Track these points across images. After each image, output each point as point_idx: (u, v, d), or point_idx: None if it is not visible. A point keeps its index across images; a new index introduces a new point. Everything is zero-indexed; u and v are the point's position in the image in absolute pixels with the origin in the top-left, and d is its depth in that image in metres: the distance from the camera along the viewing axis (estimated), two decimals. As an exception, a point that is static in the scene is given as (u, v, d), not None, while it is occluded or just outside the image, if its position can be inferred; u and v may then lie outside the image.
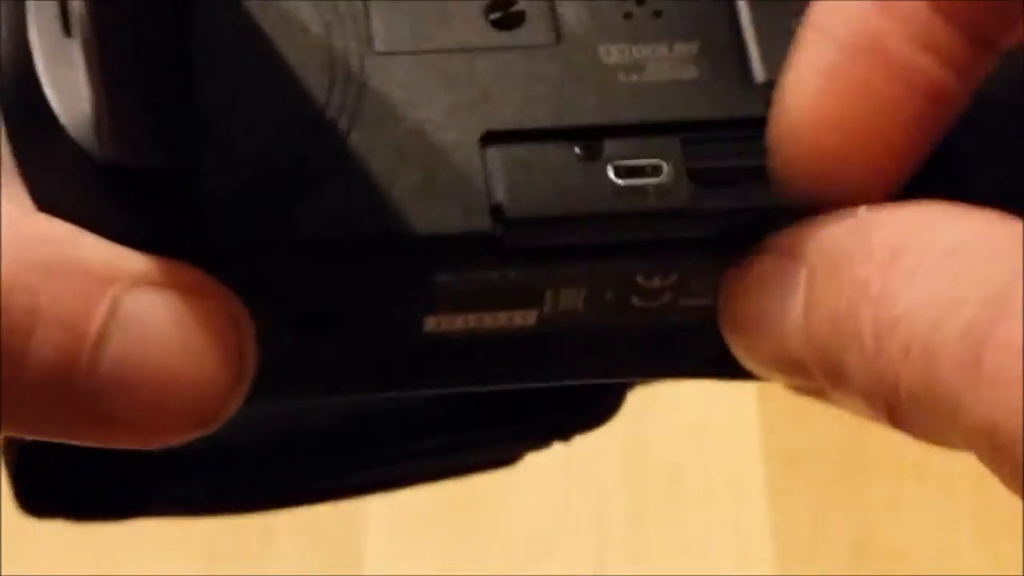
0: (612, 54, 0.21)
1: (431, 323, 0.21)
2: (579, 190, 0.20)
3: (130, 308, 0.17)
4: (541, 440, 0.26)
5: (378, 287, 0.20)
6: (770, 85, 0.20)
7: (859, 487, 0.49)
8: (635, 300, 0.21)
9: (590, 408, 0.26)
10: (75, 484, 0.24)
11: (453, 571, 0.47)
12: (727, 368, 0.22)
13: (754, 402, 0.50)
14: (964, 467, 0.50)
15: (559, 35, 0.21)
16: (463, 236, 0.20)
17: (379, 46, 0.21)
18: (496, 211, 0.20)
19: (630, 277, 0.21)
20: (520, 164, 0.20)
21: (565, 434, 0.26)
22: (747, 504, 0.49)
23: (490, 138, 0.20)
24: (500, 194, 0.20)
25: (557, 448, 0.48)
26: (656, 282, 0.21)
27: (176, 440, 0.18)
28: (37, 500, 0.23)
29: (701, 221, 0.20)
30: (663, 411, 0.49)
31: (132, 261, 0.17)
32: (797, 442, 0.50)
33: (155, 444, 0.18)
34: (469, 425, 0.25)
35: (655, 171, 0.20)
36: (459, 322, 0.21)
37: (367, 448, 0.25)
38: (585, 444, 0.49)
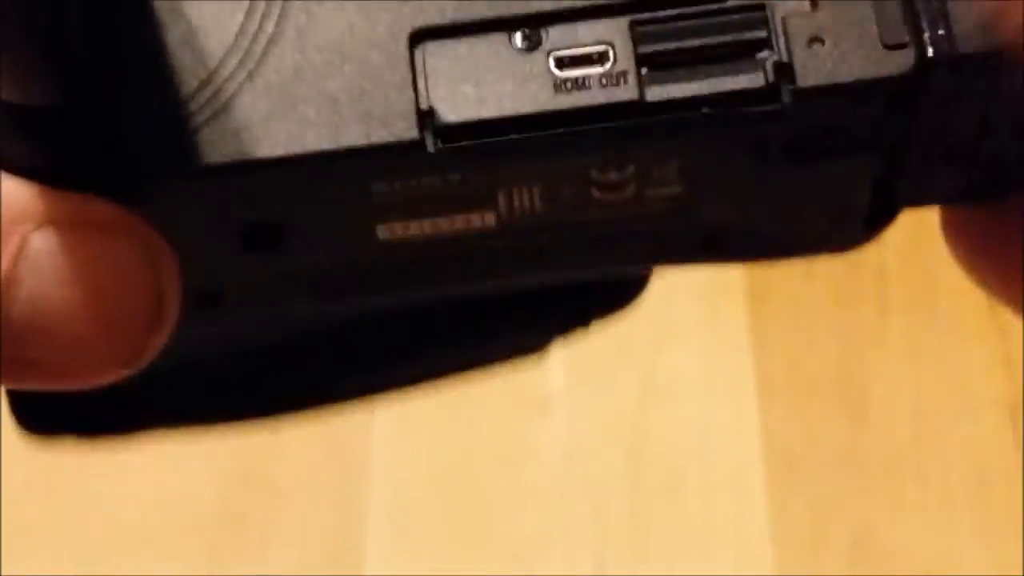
0: None
1: (384, 231, 0.20)
2: (516, 87, 0.19)
3: (39, 248, 0.16)
4: (565, 325, 0.25)
5: (315, 200, 0.20)
6: None
7: (859, 488, 0.49)
8: (596, 193, 0.20)
9: (612, 291, 0.24)
10: (72, 400, 0.23)
11: (453, 571, 0.47)
12: (716, 252, 0.21)
13: (755, 402, 0.50)
14: (964, 468, 0.50)
15: None
16: (391, 146, 0.19)
17: None
18: (426, 116, 0.19)
19: (583, 172, 0.20)
20: (452, 63, 0.19)
21: (587, 319, 0.25)
22: (747, 504, 0.49)
23: (419, 36, 0.19)
24: (430, 98, 0.19)
25: (557, 448, 0.47)
26: (613, 175, 0.20)
27: (104, 380, 0.17)
28: (35, 419, 0.22)
29: (652, 113, 0.19)
30: (663, 411, 0.49)
31: (39, 200, 0.17)
32: (797, 442, 0.50)
33: (82, 385, 0.17)
34: (485, 314, 0.24)
35: (601, 59, 0.19)
36: (413, 228, 0.20)
37: (378, 346, 0.24)
38: (585, 444, 0.49)
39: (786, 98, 0.19)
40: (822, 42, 0.19)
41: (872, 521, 0.49)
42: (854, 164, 0.20)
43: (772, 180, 0.20)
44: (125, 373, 0.17)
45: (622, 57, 0.19)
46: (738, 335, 0.51)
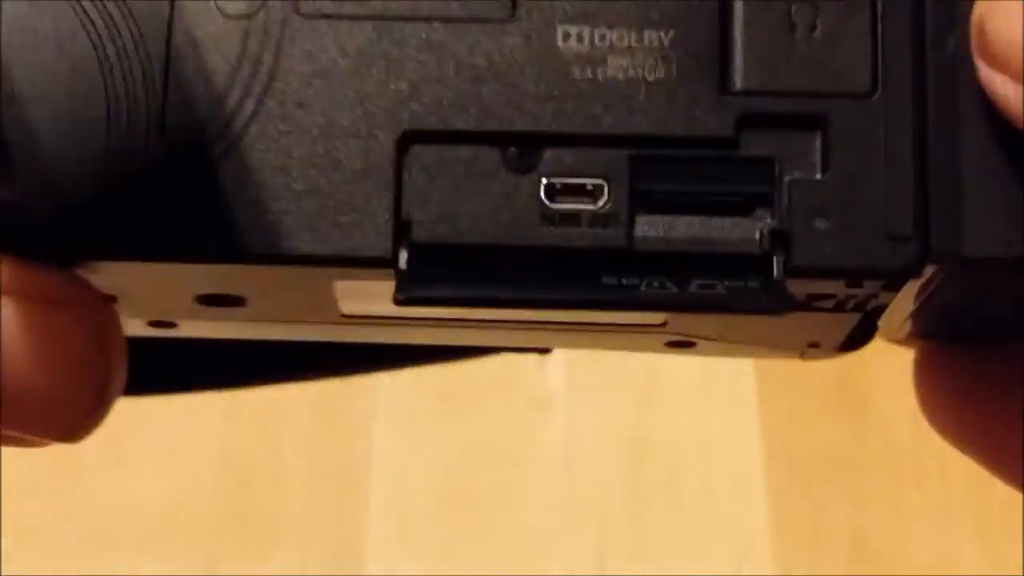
0: (571, 38, 0.18)
1: (348, 307, 0.19)
2: (502, 211, 0.17)
3: None
4: None
5: (279, 286, 0.18)
6: (749, 94, 0.18)
7: (859, 488, 0.49)
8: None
9: None
10: None
11: (453, 571, 0.47)
12: (683, 349, 0.20)
13: (755, 403, 0.50)
14: (964, 468, 0.49)
15: (514, 6, 0.18)
16: (361, 260, 0.17)
17: (305, 6, 0.18)
18: (403, 230, 0.17)
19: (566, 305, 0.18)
20: (439, 173, 0.17)
21: None
22: (747, 504, 0.49)
23: (409, 139, 0.18)
24: (410, 210, 0.17)
25: (558, 448, 0.48)
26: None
27: (41, 446, 0.17)
28: None
29: (638, 263, 0.18)
30: (663, 411, 0.49)
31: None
32: (797, 443, 0.50)
33: (27, 446, 0.17)
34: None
35: (594, 194, 0.18)
36: (378, 310, 0.19)
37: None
38: (585, 444, 0.49)
39: (777, 273, 0.17)
40: (825, 217, 0.18)
41: (871, 521, 0.49)
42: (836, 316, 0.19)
43: (748, 319, 0.19)
44: (69, 443, 0.17)
45: (616, 195, 0.18)
46: (738, 335, 0.51)
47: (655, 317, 0.19)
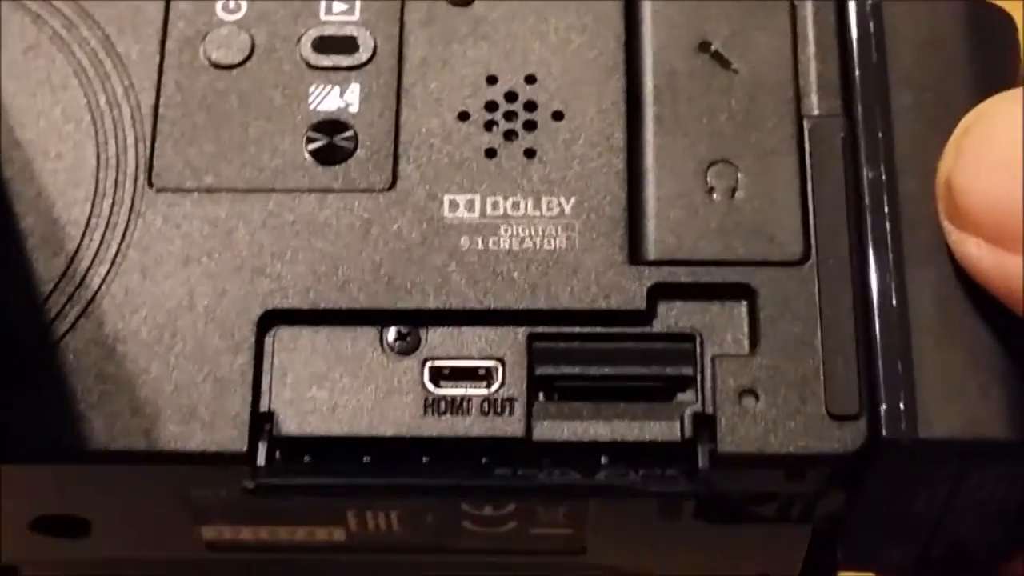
0: (459, 207, 0.16)
1: (210, 532, 0.17)
2: (377, 399, 0.15)
3: None
4: None
5: (127, 500, 0.16)
6: (663, 263, 0.16)
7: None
8: (468, 525, 0.17)
9: None
10: None
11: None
12: None
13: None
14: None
15: (395, 176, 0.16)
16: (212, 456, 0.15)
17: (158, 180, 0.16)
18: (263, 421, 0.15)
19: (452, 502, 0.16)
20: (306, 357, 0.15)
21: None
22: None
23: (270, 319, 0.16)
24: (271, 399, 0.15)
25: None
26: (488, 510, 0.17)
27: None
28: None
29: (539, 455, 0.15)
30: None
31: None
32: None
33: None
34: None
35: (487, 377, 0.16)
36: (245, 533, 0.17)
37: None
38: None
39: (702, 462, 0.15)
40: (756, 396, 0.15)
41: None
42: (782, 531, 0.17)
43: (682, 537, 0.17)
44: None
45: (512, 378, 0.15)
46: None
47: (559, 529, 0.17)
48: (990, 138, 0.15)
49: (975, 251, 0.15)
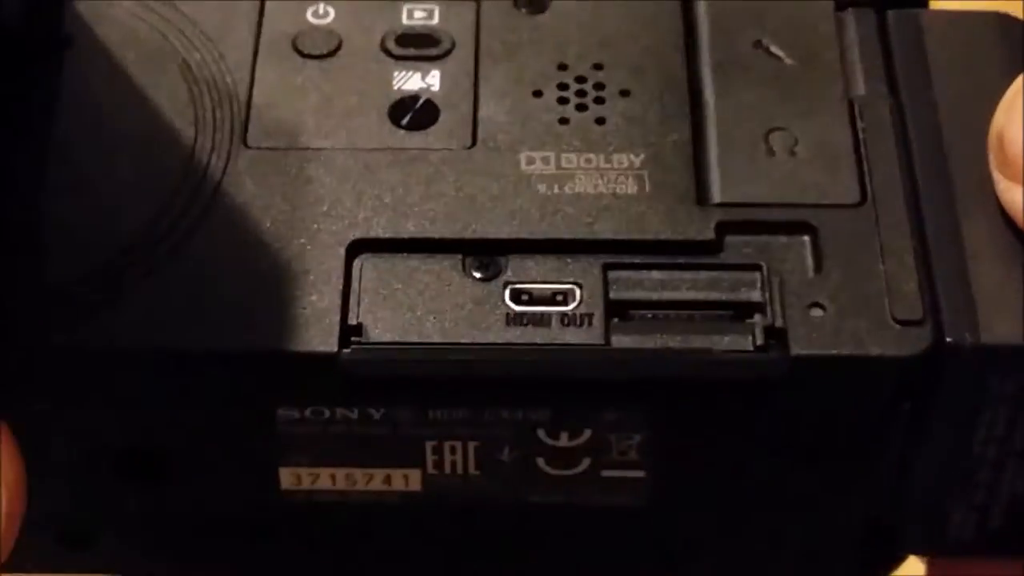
0: (535, 162, 0.17)
1: (287, 478, 0.17)
2: (462, 314, 0.16)
3: None
4: None
5: (210, 423, 0.17)
6: (729, 206, 0.17)
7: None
8: (542, 464, 0.17)
9: None
10: None
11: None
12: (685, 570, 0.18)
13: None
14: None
15: (475, 138, 0.17)
16: (303, 357, 0.16)
17: (252, 140, 0.17)
18: (351, 331, 0.16)
19: (529, 430, 0.17)
20: (391, 281, 0.16)
21: None
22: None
23: (358, 247, 0.17)
24: (358, 315, 0.16)
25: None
26: (564, 439, 0.17)
27: None
28: None
29: (615, 367, 0.16)
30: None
31: None
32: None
33: None
34: None
35: (565, 298, 0.16)
36: (324, 479, 0.17)
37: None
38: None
39: (775, 365, 0.16)
40: (823, 308, 0.16)
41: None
42: (851, 480, 0.17)
43: (751, 485, 0.17)
44: None
45: (589, 300, 0.16)
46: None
47: (632, 471, 0.17)
48: None
49: (1022, 198, 0.16)
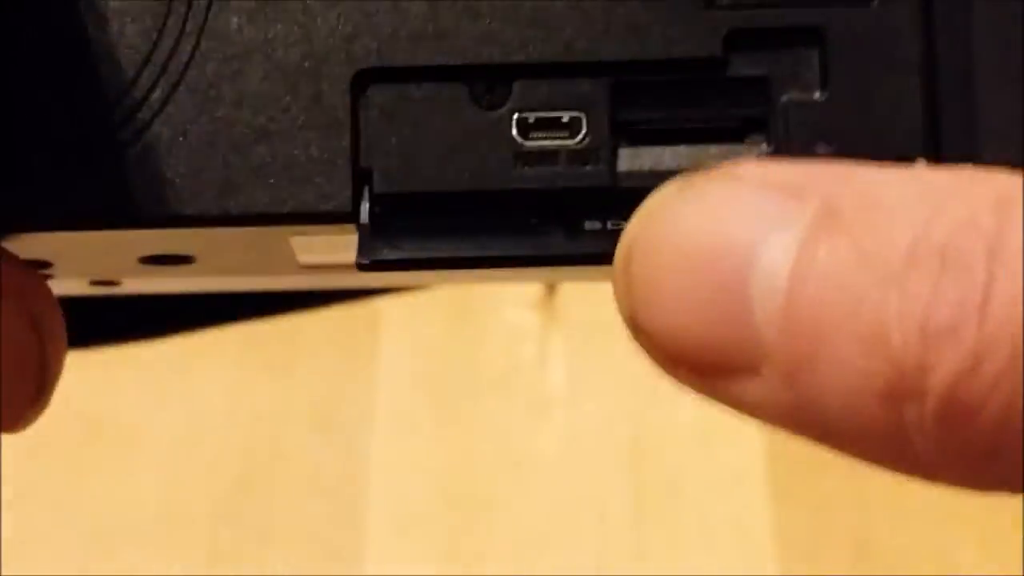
0: None
1: (306, 259, 0.18)
2: (471, 153, 0.16)
3: None
4: None
5: (228, 244, 0.17)
6: (736, 7, 0.16)
7: (862, 488, 0.49)
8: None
9: None
10: None
11: (453, 571, 0.47)
12: None
13: (756, 402, 0.50)
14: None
15: None
16: (319, 215, 0.16)
17: None
18: (362, 180, 0.16)
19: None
20: (400, 114, 0.16)
21: None
22: (749, 505, 0.49)
23: (364, 78, 0.16)
24: (370, 156, 0.16)
25: (557, 448, 0.48)
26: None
27: None
28: None
29: (624, 198, 0.16)
30: (664, 411, 0.49)
31: None
32: (799, 444, 0.50)
33: None
34: None
35: (571, 128, 0.16)
36: (342, 258, 0.17)
37: None
38: (586, 444, 0.49)
39: None
40: (827, 140, 0.16)
41: (875, 523, 0.48)
42: None
43: None
44: (8, 432, 0.16)
45: (596, 127, 0.16)
46: (739, 335, 0.51)
47: None
48: (658, 258, 0.14)
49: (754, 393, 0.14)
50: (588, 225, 0.16)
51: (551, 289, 0.50)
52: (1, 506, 0.46)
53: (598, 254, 0.16)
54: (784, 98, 0.16)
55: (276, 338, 0.49)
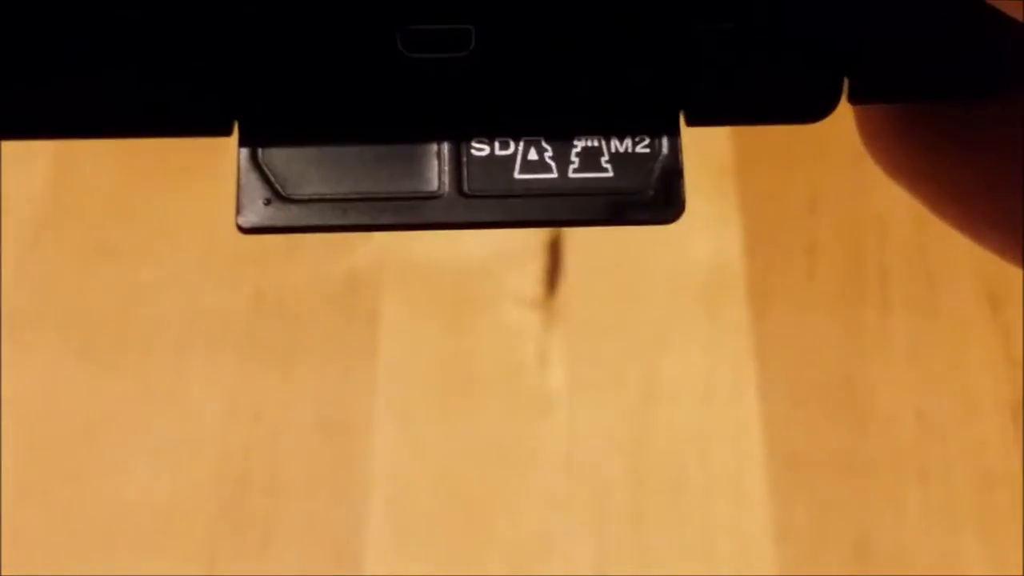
0: None
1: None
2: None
3: None
4: None
5: None
6: None
7: (861, 488, 0.49)
8: None
9: None
10: None
11: (453, 571, 0.47)
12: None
13: (756, 403, 0.50)
14: (967, 469, 0.50)
15: None
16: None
17: None
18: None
19: None
20: None
21: None
22: (749, 506, 0.49)
23: None
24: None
25: (558, 449, 0.48)
26: None
27: None
28: None
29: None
30: (664, 411, 0.49)
31: None
32: (799, 443, 0.50)
33: None
34: None
35: (458, 41, 0.15)
36: None
37: None
38: (586, 445, 0.49)
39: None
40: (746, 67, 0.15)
41: (875, 522, 0.48)
42: None
43: None
44: None
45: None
46: (739, 335, 0.51)
47: None
48: None
49: None
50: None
51: (551, 289, 0.50)
52: (1, 506, 0.46)
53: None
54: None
55: (276, 338, 0.49)
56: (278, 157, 0.15)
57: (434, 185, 0.15)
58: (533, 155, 0.15)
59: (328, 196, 0.15)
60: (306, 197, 0.15)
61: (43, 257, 0.51)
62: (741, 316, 0.51)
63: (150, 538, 0.47)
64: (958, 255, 0.49)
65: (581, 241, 0.51)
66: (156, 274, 0.51)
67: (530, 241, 0.52)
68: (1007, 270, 0.18)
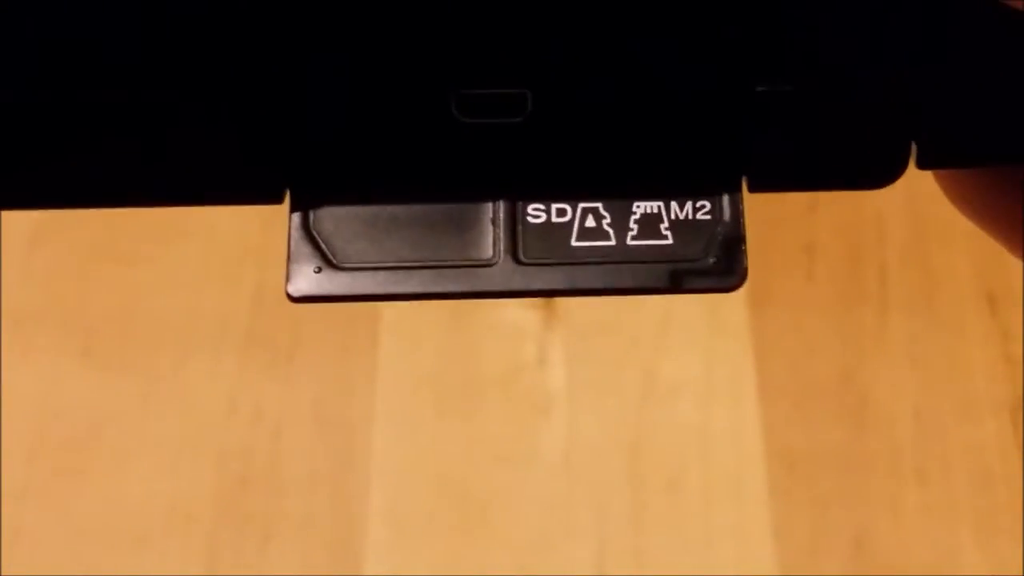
0: None
1: None
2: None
3: None
4: None
5: None
6: None
7: (861, 489, 0.49)
8: None
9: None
10: None
11: (453, 571, 0.47)
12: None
13: (755, 403, 0.50)
14: (966, 469, 0.50)
15: None
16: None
17: None
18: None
19: None
20: None
21: None
22: (748, 505, 0.49)
23: None
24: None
25: (558, 449, 0.48)
26: None
27: None
28: None
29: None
30: (664, 412, 0.49)
31: None
32: (798, 444, 0.50)
33: None
34: None
35: (514, 105, 0.14)
36: None
37: None
38: (586, 444, 0.49)
39: None
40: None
41: (873, 522, 0.48)
42: None
43: None
44: None
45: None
46: (739, 335, 0.51)
47: None
48: None
49: None
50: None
51: (551, 289, 0.50)
52: (1, 506, 0.46)
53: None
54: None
55: (277, 337, 0.49)
56: (329, 224, 0.15)
57: (489, 252, 0.15)
58: (591, 222, 0.15)
59: (379, 264, 0.15)
60: (357, 265, 0.15)
61: (45, 256, 0.51)
62: (740, 316, 0.51)
63: (150, 537, 0.47)
64: (957, 255, 0.49)
65: (581, 241, 0.51)
66: (157, 274, 0.51)
67: (530, 241, 0.52)
68: (1006, 270, 0.18)
